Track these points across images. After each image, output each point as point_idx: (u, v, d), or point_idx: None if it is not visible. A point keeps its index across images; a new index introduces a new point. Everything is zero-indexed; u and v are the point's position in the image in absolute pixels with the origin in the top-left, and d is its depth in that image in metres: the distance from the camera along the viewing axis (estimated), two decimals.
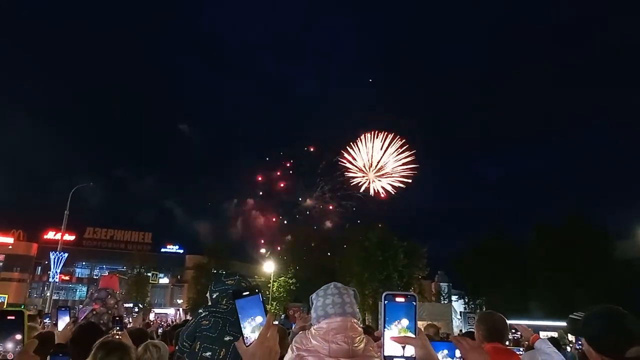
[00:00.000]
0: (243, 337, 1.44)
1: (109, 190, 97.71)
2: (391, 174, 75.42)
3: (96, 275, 59.87)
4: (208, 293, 3.39)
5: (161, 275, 62.35)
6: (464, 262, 42.34)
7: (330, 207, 77.20)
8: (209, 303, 3.30)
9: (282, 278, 48.17)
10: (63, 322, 4.03)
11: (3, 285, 53.64)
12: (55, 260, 32.70)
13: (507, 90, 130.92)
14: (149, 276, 55.54)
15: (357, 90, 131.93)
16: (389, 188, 74.67)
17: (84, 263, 62.65)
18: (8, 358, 1.61)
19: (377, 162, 75.77)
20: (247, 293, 1.47)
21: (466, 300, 47.15)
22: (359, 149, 76.28)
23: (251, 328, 1.45)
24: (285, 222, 75.19)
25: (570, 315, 2.85)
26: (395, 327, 1.47)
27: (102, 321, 5.26)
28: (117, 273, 46.06)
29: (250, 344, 1.44)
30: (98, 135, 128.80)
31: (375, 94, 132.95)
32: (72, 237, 56.19)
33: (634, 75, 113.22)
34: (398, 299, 1.49)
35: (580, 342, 9.42)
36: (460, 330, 27.34)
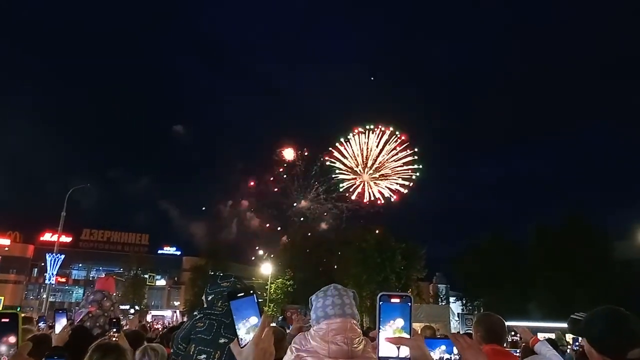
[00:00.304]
0: (238, 338, 1.43)
1: (106, 192, 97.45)
2: (390, 175, 75.15)
3: (93, 277, 59.74)
4: (203, 295, 3.37)
5: (158, 277, 62.34)
6: (463, 262, 42.36)
7: (325, 214, 76.82)
8: (205, 305, 3.28)
9: (280, 280, 48.14)
10: (60, 324, 4.01)
11: None
12: (52, 262, 32.68)
13: (507, 90, 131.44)
14: (146, 278, 55.53)
15: (357, 90, 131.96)
16: (387, 192, 74.31)
17: (80, 265, 62.53)
18: None
19: (374, 161, 75.48)
20: (242, 294, 1.46)
21: (464, 301, 47.19)
22: (351, 147, 76.07)
23: (246, 329, 1.44)
24: (280, 225, 74.98)
25: (572, 316, 2.84)
26: (390, 327, 1.48)
27: (98, 324, 5.23)
28: (114, 275, 45.99)
29: (245, 345, 1.43)
30: (95, 136, 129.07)
31: (375, 95, 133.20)
32: (68, 239, 56.09)
33: (634, 75, 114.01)
34: (393, 300, 1.50)
35: (577, 344, 9.42)
36: (458, 332, 27.31)
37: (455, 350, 1.79)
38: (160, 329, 18.59)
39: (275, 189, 79.59)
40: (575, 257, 33.33)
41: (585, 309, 2.61)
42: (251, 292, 1.48)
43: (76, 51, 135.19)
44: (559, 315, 24.13)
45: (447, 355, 1.91)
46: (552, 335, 12.91)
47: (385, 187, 74.32)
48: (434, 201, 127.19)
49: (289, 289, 47.97)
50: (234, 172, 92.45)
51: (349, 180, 75.79)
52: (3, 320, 1.61)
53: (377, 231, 44.04)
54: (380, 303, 1.49)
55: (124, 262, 54.48)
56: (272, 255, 54.63)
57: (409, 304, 1.49)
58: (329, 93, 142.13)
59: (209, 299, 3.28)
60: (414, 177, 73.54)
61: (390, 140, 74.48)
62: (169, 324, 31.07)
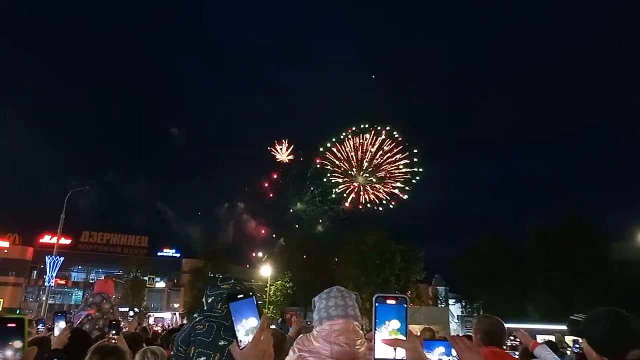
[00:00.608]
0: (237, 340, 1.44)
1: (105, 194, 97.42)
2: (387, 178, 74.70)
3: (92, 279, 59.59)
4: (204, 297, 3.37)
5: (157, 279, 62.23)
6: (463, 263, 42.33)
7: (321, 216, 76.49)
8: (205, 307, 3.28)
9: (279, 282, 48.09)
10: (59, 327, 4.00)
11: None
12: (51, 264, 32.62)
13: (507, 90, 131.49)
14: (146, 280, 55.45)
15: (357, 91, 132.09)
16: (384, 197, 73.85)
17: (79, 267, 62.46)
18: None
19: (369, 163, 75.09)
20: (242, 296, 1.48)
21: (463, 304, 47.15)
22: (345, 150, 75.76)
23: (245, 331, 1.45)
24: (276, 229, 74.98)
25: (571, 317, 2.84)
26: (386, 329, 1.47)
27: (97, 326, 5.23)
28: (114, 277, 45.98)
29: (244, 347, 1.43)
30: (95, 137, 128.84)
31: (374, 95, 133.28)
32: (68, 241, 55.98)
33: (634, 75, 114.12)
34: (389, 301, 1.49)
35: (577, 345, 9.41)
36: (457, 334, 27.26)
37: (453, 352, 1.79)
38: (159, 331, 18.57)
39: (271, 195, 79.77)
40: (575, 258, 33.29)
41: (585, 310, 2.62)
42: (250, 293, 1.50)
43: (76, 51, 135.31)
44: (558, 317, 24.10)
45: (445, 357, 1.91)
46: (552, 337, 12.92)
47: (382, 190, 74.05)
48: (433, 202, 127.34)
49: (288, 291, 47.94)
50: (232, 174, 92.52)
51: (343, 184, 75.78)
52: (9, 325, 1.63)
53: (375, 233, 43.96)
54: (376, 304, 1.49)
55: (123, 265, 54.40)
56: (274, 253, 54.65)
57: (405, 305, 1.49)
58: (329, 93, 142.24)
59: (209, 301, 3.27)
60: (413, 180, 73.39)
61: (387, 142, 74.30)
62: (168, 326, 31.02)
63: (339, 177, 75.62)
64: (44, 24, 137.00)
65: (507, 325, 3.70)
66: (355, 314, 2.30)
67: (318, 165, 76.31)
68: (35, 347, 1.63)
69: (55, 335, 3.93)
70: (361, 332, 2.26)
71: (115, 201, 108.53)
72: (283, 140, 78.89)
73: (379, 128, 74.52)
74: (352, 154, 75.15)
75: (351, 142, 75.27)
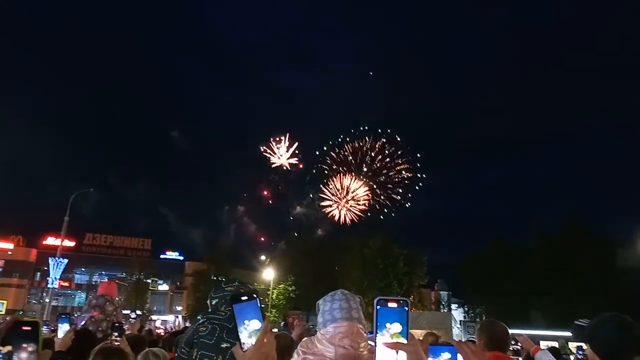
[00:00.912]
0: (240, 342, 1.44)
1: (109, 196, 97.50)
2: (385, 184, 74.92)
3: (95, 281, 59.68)
4: (208, 300, 3.38)
5: (160, 281, 62.29)
6: (465, 269, 42.21)
7: (321, 220, 76.44)
8: (209, 310, 3.30)
9: (282, 285, 48.03)
10: (63, 329, 4.02)
11: (2, 291, 53.51)
12: (55, 266, 32.69)
13: (508, 93, 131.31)
14: (149, 283, 55.47)
15: (357, 92, 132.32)
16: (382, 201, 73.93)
17: (83, 269, 62.50)
18: None
19: (367, 169, 75.59)
20: (245, 298, 1.48)
21: (466, 309, 46.98)
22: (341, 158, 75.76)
23: (248, 333, 1.45)
24: (276, 233, 74.95)
25: (575, 322, 2.83)
26: (388, 332, 1.47)
27: (100, 328, 5.24)
28: (117, 279, 45.98)
29: (247, 349, 1.43)
30: (97, 139, 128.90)
31: (374, 96, 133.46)
32: (71, 243, 56.04)
33: (635, 76, 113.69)
34: (390, 304, 1.49)
35: (581, 352, 9.36)
36: (460, 340, 27.12)
37: (459, 357, 1.78)
38: (162, 333, 18.58)
39: (270, 202, 79.74)
40: (578, 263, 33.16)
41: (589, 316, 2.61)
42: (254, 295, 1.50)
43: (76, 51, 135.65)
44: (562, 323, 23.99)
45: None
46: (556, 344, 12.85)
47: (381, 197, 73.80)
48: (435, 206, 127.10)
49: (290, 294, 47.87)
50: (233, 176, 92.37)
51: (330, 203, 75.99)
52: (24, 328, 1.65)
53: (378, 237, 43.91)
54: (378, 307, 1.48)
55: (126, 267, 54.41)
56: (272, 261, 54.60)
57: (406, 308, 1.49)
58: (329, 94, 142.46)
59: (213, 303, 3.28)
60: (416, 187, 73.47)
61: (385, 148, 74.35)
62: (171, 328, 31.02)
63: (327, 198, 75.97)
64: (44, 24, 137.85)
65: (510, 331, 3.69)
66: (359, 317, 2.30)
67: (314, 171, 76.36)
68: (49, 351, 1.65)
69: (59, 337, 3.94)
70: (365, 335, 2.25)
71: (118, 203, 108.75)
72: (282, 137, 78.58)
73: (379, 130, 74.66)
74: (351, 157, 75.30)
75: (349, 148, 75.53)
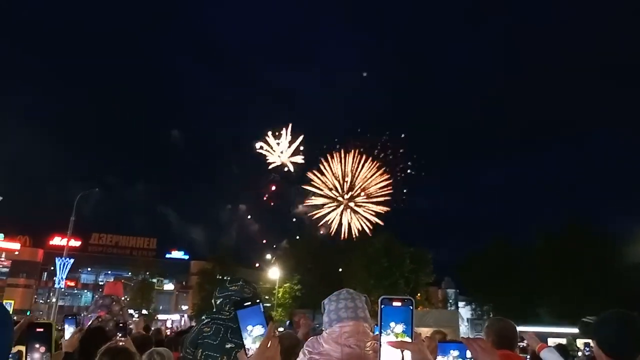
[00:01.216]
0: (244, 347, 1.45)
1: (113, 196, 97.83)
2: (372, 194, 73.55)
3: (101, 281, 60.00)
4: (213, 299, 3.38)
5: (166, 281, 62.52)
6: (472, 267, 42.17)
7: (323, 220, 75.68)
8: (214, 309, 3.30)
9: (287, 284, 48.12)
10: (70, 330, 4.02)
11: (9, 291, 53.91)
12: (61, 266, 32.82)
13: (509, 93, 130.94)
14: (154, 282, 55.71)
15: (357, 91, 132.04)
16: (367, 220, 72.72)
17: (89, 269, 62.90)
18: None
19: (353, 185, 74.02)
20: (249, 303, 1.49)
21: (473, 307, 46.92)
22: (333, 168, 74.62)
23: (252, 339, 1.47)
24: (279, 232, 74.65)
25: (583, 319, 2.82)
26: (392, 331, 1.47)
27: (107, 328, 5.26)
28: (122, 279, 46.24)
29: (251, 355, 1.44)
30: (101, 139, 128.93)
31: (378, 99, 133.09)
32: (77, 243, 56.37)
33: (636, 76, 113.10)
34: (395, 303, 1.48)
35: (588, 349, 9.34)
36: (469, 337, 27.04)
37: (468, 354, 1.76)
38: (168, 333, 18.64)
39: (272, 203, 79.51)
40: (584, 262, 33.17)
41: (596, 314, 2.60)
42: (257, 301, 1.51)
43: (76, 51, 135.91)
44: (570, 320, 23.98)
45: None
46: (563, 341, 12.82)
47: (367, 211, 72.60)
48: (440, 205, 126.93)
49: (296, 293, 47.95)
50: (234, 175, 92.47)
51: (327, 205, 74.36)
52: (38, 330, 1.68)
53: (383, 236, 43.94)
54: (382, 306, 1.48)
55: (132, 267, 54.71)
56: (277, 260, 54.67)
57: (411, 307, 1.48)
58: (329, 94, 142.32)
59: (218, 302, 3.29)
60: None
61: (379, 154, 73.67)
62: (177, 328, 31.15)
63: (324, 197, 74.35)
64: (44, 24, 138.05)
65: (517, 329, 3.67)
66: (365, 316, 2.31)
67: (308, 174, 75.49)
68: (62, 352, 1.68)
69: (65, 338, 3.95)
70: (371, 334, 2.25)
71: (121, 203, 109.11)
72: (282, 132, 77.81)
73: (379, 130, 74.42)
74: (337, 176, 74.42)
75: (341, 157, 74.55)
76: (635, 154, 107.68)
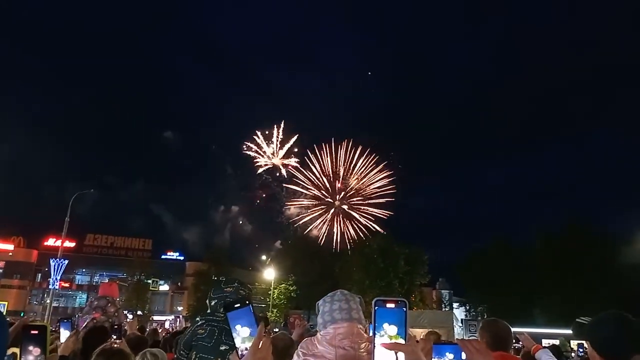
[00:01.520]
0: (236, 349, 1.46)
1: (109, 197, 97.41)
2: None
3: (96, 282, 59.71)
4: (207, 300, 3.38)
5: (161, 282, 62.24)
6: (467, 268, 42.25)
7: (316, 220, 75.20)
8: (208, 310, 3.29)
9: (283, 285, 48.05)
10: (65, 334, 4.01)
11: (3, 292, 53.52)
12: (55, 267, 32.61)
13: (510, 93, 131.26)
14: (149, 283, 55.47)
15: (357, 92, 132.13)
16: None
17: (84, 270, 62.55)
18: None
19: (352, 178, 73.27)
20: (238, 305, 1.50)
21: (467, 307, 47.01)
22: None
23: (242, 339, 1.47)
24: (271, 234, 74.31)
25: (577, 320, 2.83)
26: (386, 333, 1.47)
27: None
28: (117, 280, 45.99)
29: (243, 356, 1.45)
30: (97, 139, 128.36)
31: (378, 99, 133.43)
32: (72, 244, 56.05)
33: (635, 76, 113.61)
34: (388, 305, 1.49)
35: (582, 350, 9.38)
36: (463, 338, 27.06)
37: (463, 356, 1.77)
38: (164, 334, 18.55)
39: (264, 205, 79.12)
40: (581, 263, 33.26)
41: (591, 315, 2.61)
42: (247, 302, 1.52)
43: (76, 51, 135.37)
44: (563, 321, 24.03)
45: None
46: (557, 342, 12.85)
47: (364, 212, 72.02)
48: (437, 206, 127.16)
49: (291, 294, 47.89)
50: (229, 176, 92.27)
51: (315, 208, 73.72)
52: (32, 332, 1.68)
53: (379, 237, 43.94)
54: (376, 308, 1.49)
55: (127, 267, 54.43)
56: (273, 261, 54.50)
57: (404, 309, 1.48)
58: (329, 94, 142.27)
59: (212, 304, 3.28)
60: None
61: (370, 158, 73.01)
62: (172, 328, 31.04)
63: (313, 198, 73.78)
64: (44, 24, 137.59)
65: (512, 329, 3.67)
66: (359, 317, 2.30)
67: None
68: (57, 354, 1.69)
69: (61, 341, 3.93)
70: (365, 335, 2.24)
71: (117, 204, 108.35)
72: (273, 130, 77.29)
73: (379, 130, 74.16)
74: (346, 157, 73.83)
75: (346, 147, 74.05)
76: (635, 154, 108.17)
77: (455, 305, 50.62)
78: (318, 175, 74.57)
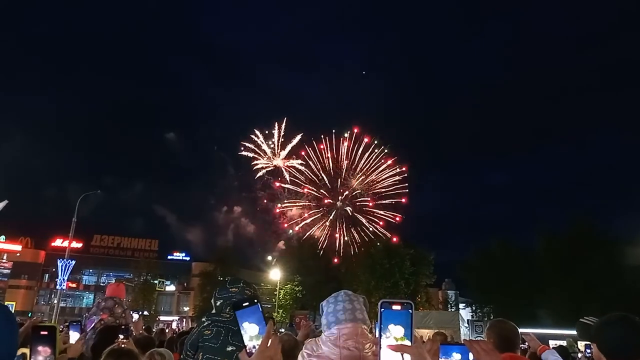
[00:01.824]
0: (245, 348, 1.46)
1: (116, 198, 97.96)
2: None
3: (103, 282, 59.96)
4: (213, 300, 3.38)
5: (167, 282, 62.45)
6: (473, 268, 42.06)
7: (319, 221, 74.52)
8: (214, 310, 3.29)
9: (289, 285, 48.02)
10: (74, 336, 4.03)
11: (11, 293, 53.94)
12: (63, 268, 32.79)
13: (515, 95, 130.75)
14: (156, 283, 55.64)
15: (358, 93, 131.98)
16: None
17: (91, 270, 62.85)
18: None
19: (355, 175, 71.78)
20: (247, 304, 1.50)
21: (474, 308, 46.80)
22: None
23: (250, 338, 1.47)
24: (273, 235, 73.87)
25: (581, 320, 2.81)
26: (392, 334, 1.47)
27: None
28: (124, 280, 46.20)
29: (252, 354, 1.45)
30: (102, 141, 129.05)
31: (378, 100, 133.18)
32: (79, 245, 56.28)
33: (635, 77, 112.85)
34: (394, 307, 1.49)
35: (589, 351, 9.31)
36: (469, 338, 26.96)
37: (471, 357, 1.77)
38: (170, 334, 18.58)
39: (266, 206, 78.64)
40: (586, 263, 33.07)
41: (597, 315, 2.59)
42: (255, 301, 1.51)
43: (76, 52, 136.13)
44: (570, 322, 23.86)
45: None
46: (564, 342, 12.77)
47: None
48: (443, 207, 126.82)
49: (297, 294, 47.86)
50: (232, 177, 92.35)
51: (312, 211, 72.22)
52: (42, 333, 1.70)
53: (384, 237, 43.89)
54: (382, 310, 1.49)
55: (133, 268, 54.60)
56: (277, 261, 54.41)
57: (410, 310, 1.49)
58: (330, 96, 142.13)
59: (218, 304, 3.28)
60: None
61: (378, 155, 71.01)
62: (178, 329, 31.10)
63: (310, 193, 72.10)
64: (45, 24, 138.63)
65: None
66: (363, 318, 2.29)
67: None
68: (66, 355, 1.70)
69: (70, 342, 3.96)
70: (370, 335, 2.24)
71: (124, 205, 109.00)
72: (273, 130, 76.45)
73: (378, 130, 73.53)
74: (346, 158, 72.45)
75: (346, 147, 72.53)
76: (634, 154, 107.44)
77: (461, 305, 50.40)
78: (317, 173, 73.81)
